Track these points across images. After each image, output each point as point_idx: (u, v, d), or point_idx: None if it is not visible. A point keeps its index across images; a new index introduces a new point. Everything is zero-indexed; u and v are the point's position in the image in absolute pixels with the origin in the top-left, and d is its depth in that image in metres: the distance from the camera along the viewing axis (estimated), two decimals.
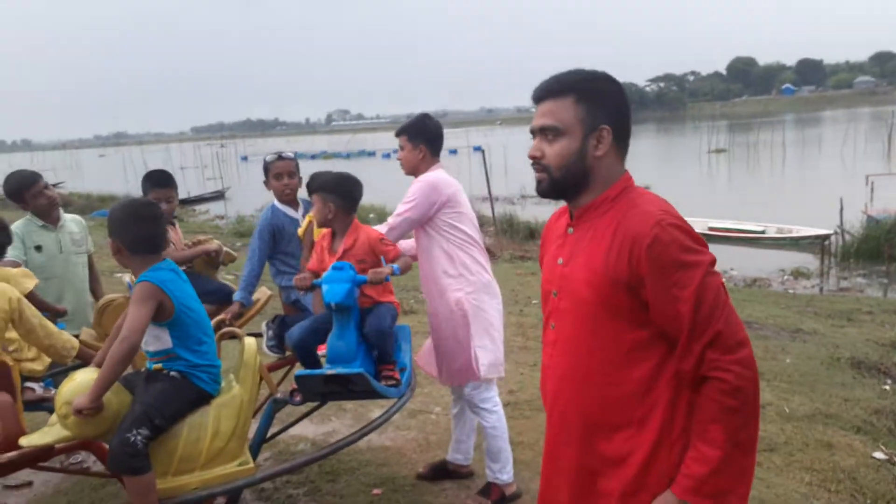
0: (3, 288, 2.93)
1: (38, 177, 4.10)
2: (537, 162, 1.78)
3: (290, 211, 3.80)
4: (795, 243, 14.59)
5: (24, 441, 2.51)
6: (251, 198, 25.44)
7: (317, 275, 3.11)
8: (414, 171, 3.53)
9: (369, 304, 3.12)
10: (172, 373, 2.65)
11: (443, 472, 3.84)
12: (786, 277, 12.08)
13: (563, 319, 1.82)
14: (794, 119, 73.37)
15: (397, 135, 3.56)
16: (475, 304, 3.42)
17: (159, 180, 3.88)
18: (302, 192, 3.78)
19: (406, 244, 3.65)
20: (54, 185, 4.67)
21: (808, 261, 13.18)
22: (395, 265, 3.07)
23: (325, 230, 3.28)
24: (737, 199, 21.99)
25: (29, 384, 3.39)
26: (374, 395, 2.95)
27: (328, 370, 2.83)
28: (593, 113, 1.71)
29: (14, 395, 2.81)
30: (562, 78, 1.76)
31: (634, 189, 1.77)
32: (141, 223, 2.63)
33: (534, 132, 1.79)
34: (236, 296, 3.64)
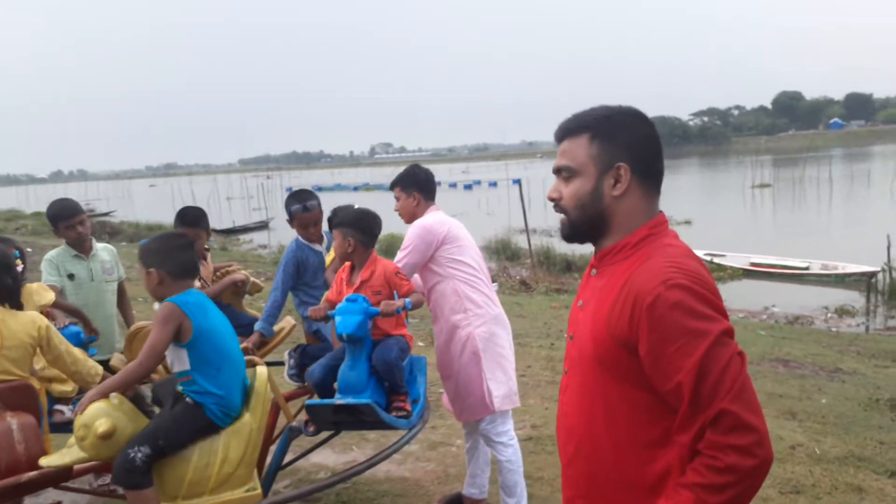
0: (32, 316, 3.07)
1: (74, 212, 4.20)
2: (557, 204, 1.69)
3: (314, 245, 3.91)
4: (841, 280, 14.22)
5: (44, 461, 2.62)
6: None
7: (333, 306, 3.17)
8: (412, 217, 3.67)
9: (381, 336, 3.16)
10: (188, 399, 2.74)
11: None
12: (829, 315, 11.75)
13: (574, 366, 1.70)
14: (841, 154, 71.71)
15: (391, 188, 3.74)
16: (485, 338, 3.45)
17: (188, 219, 4.04)
18: (324, 226, 3.90)
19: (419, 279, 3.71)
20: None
21: (854, 298, 12.80)
22: (408, 300, 3.12)
23: (346, 263, 3.37)
24: (780, 234, 21.56)
25: (58, 406, 3.51)
26: (384, 425, 2.98)
27: (337, 400, 2.88)
28: (609, 150, 1.60)
29: (38, 417, 2.92)
30: (580, 115, 1.67)
31: (661, 236, 1.61)
32: (180, 251, 2.82)
33: (554, 173, 1.71)
34: (257, 325, 3.73)
